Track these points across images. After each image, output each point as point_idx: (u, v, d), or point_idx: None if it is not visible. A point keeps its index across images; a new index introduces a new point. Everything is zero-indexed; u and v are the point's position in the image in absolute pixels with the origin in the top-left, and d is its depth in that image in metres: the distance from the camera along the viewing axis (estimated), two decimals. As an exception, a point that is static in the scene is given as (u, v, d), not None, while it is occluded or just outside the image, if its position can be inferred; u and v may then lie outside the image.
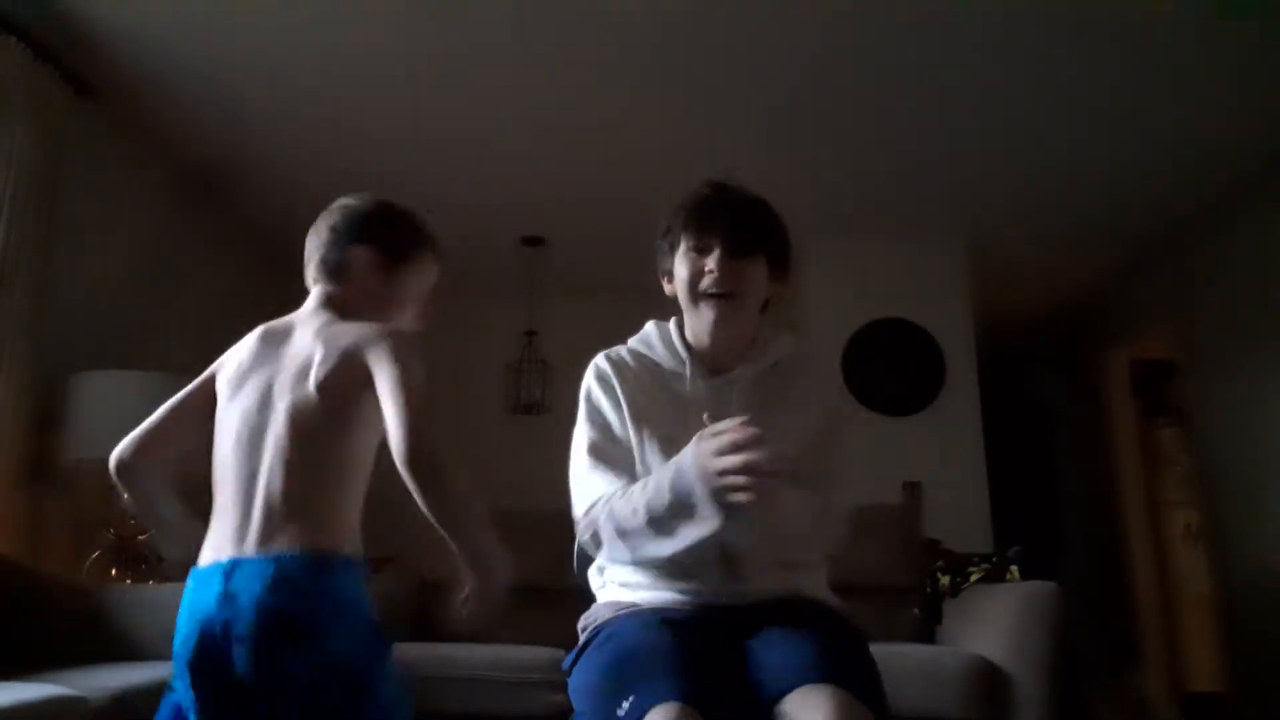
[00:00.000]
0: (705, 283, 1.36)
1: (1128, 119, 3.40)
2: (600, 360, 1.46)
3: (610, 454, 1.38)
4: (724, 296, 1.35)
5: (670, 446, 1.33)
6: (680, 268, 1.40)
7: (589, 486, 1.36)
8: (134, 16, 2.81)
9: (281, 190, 3.99)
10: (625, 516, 1.28)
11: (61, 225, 2.87)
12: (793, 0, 2.78)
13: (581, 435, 1.41)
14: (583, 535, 1.36)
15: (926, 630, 2.75)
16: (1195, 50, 2.97)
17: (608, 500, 1.33)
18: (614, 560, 1.38)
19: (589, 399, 1.43)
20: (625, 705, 1.10)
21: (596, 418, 1.41)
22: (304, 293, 1.41)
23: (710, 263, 1.35)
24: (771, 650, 1.22)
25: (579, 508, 1.37)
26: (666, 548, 1.26)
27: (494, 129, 3.51)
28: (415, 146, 3.64)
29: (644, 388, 1.41)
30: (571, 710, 1.32)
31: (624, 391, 1.41)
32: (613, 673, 1.20)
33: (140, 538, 2.92)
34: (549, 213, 4.24)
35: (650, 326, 1.50)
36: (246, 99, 3.28)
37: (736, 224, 1.36)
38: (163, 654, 2.23)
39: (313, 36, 2.94)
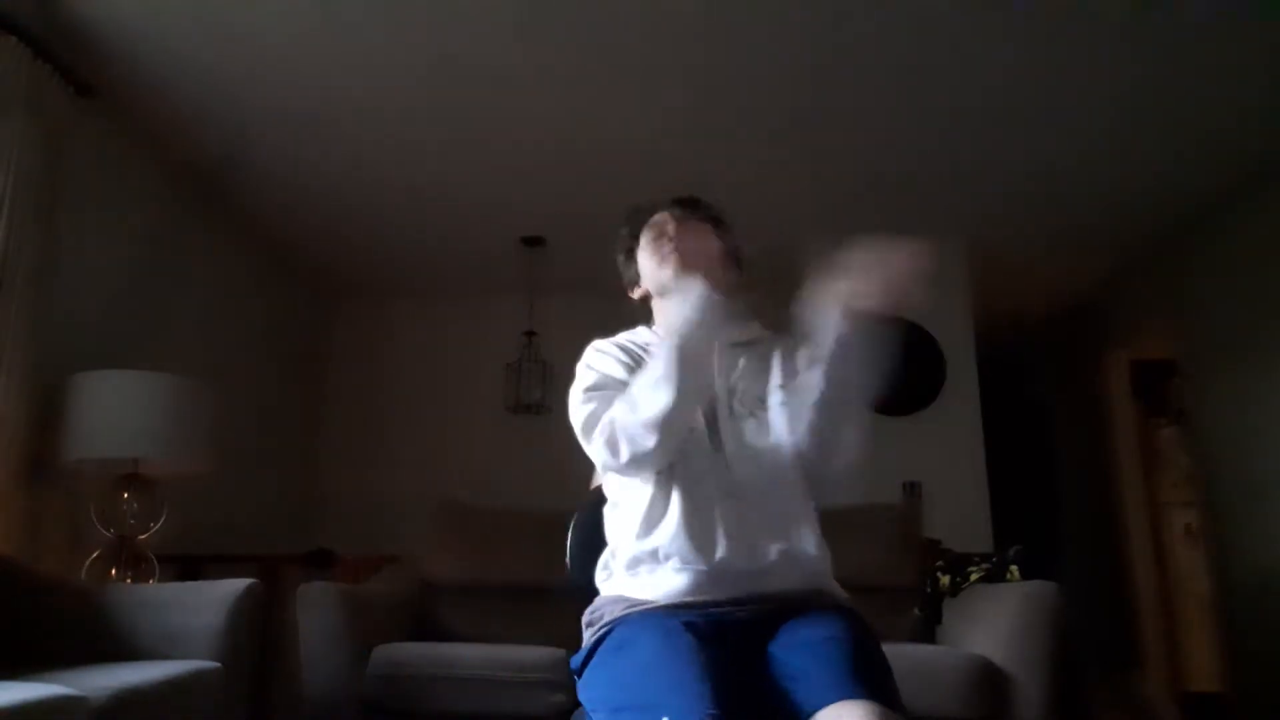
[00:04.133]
0: (666, 248, 1.50)
1: (1128, 119, 3.41)
2: (599, 341, 1.57)
3: (611, 387, 1.43)
4: (683, 251, 1.48)
5: None
6: (644, 259, 1.54)
7: (592, 407, 1.40)
8: (134, 16, 2.81)
9: (281, 190, 3.99)
10: (632, 397, 1.35)
11: (61, 225, 2.87)
12: (792, 1, 2.79)
13: (579, 383, 1.47)
14: (598, 442, 1.36)
15: (926, 630, 2.74)
16: (1195, 50, 2.97)
17: (611, 402, 1.38)
18: (635, 447, 1.34)
19: (588, 367, 1.50)
20: None
21: (596, 370, 1.48)
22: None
23: (669, 231, 1.51)
24: (798, 655, 1.22)
25: (587, 426, 1.38)
26: (669, 389, 1.31)
27: (494, 129, 3.51)
28: (416, 147, 3.64)
29: (637, 365, 1.49)
30: (575, 707, 1.31)
31: (622, 364, 1.49)
32: (639, 687, 1.19)
33: (141, 538, 2.92)
34: (549, 213, 4.24)
35: (639, 327, 1.61)
36: (246, 99, 3.28)
37: (681, 201, 1.56)
38: (163, 654, 2.24)
39: (313, 37, 2.95)
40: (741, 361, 1.49)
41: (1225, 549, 4.15)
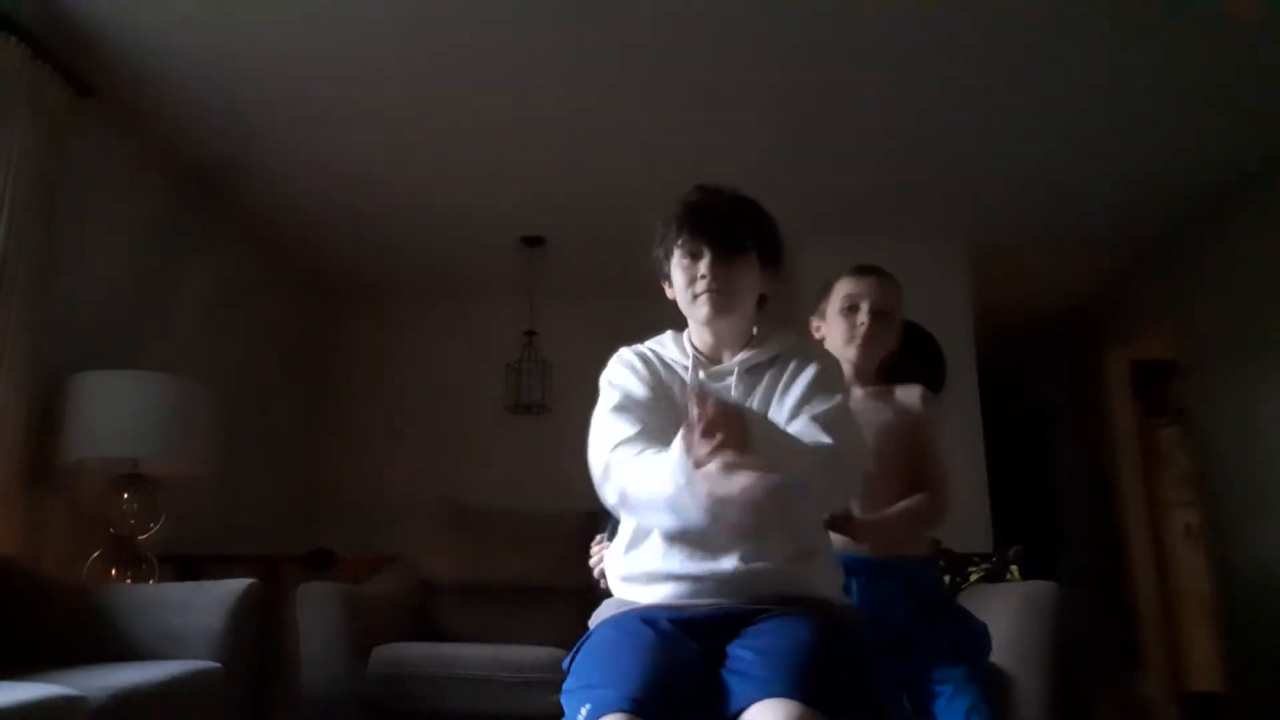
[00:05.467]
0: (699, 286, 1.43)
1: (1127, 119, 3.41)
2: (624, 351, 1.53)
3: (633, 409, 1.41)
4: (717, 295, 1.42)
5: (669, 439, 1.36)
6: (676, 273, 1.47)
7: (610, 428, 1.38)
8: (134, 16, 2.81)
9: (282, 190, 3.99)
10: (636, 479, 1.30)
11: (61, 225, 2.87)
12: (794, 2, 2.79)
13: (603, 403, 1.44)
14: (596, 471, 1.36)
15: (926, 630, 2.74)
16: (1195, 50, 2.97)
17: (628, 446, 1.34)
18: (623, 508, 1.37)
19: (611, 382, 1.47)
20: (583, 712, 1.13)
21: (620, 387, 1.45)
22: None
23: (703, 267, 1.42)
24: (748, 653, 1.21)
25: (598, 451, 1.37)
26: (668, 520, 1.30)
27: (493, 129, 3.51)
28: (415, 146, 3.64)
29: (658, 379, 1.47)
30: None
31: (643, 381, 1.46)
32: (580, 677, 1.24)
33: (141, 538, 2.92)
34: (549, 213, 4.24)
35: (668, 332, 1.56)
36: (247, 99, 3.28)
37: (725, 226, 1.43)
38: (163, 654, 2.24)
39: (313, 36, 2.94)
40: (758, 387, 1.43)
41: (1225, 549, 4.15)
